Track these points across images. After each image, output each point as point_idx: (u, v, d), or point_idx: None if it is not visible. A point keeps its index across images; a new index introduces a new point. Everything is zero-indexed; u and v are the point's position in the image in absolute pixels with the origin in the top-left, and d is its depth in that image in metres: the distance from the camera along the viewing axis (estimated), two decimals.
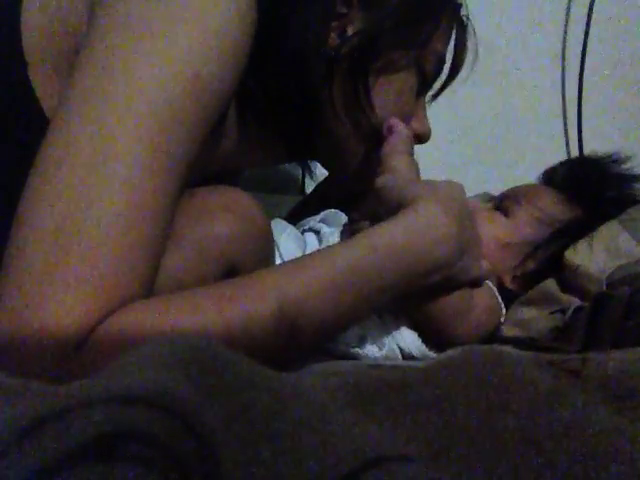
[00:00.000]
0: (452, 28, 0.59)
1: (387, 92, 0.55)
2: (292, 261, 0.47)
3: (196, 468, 0.19)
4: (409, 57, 0.55)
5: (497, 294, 0.64)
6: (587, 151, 0.92)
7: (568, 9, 1.07)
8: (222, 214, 0.49)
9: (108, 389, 0.20)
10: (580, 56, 1.04)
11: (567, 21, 1.07)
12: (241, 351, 0.32)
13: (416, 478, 0.20)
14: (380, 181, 0.53)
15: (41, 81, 0.48)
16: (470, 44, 0.61)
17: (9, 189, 0.40)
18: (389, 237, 0.47)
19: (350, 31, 0.52)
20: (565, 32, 1.07)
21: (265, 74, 0.51)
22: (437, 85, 0.62)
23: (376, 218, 0.50)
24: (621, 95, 1.10)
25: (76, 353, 0.36)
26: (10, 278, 0.37)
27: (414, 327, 0.59)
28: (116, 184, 0.39)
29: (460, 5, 0.60)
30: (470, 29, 0.61)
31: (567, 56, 1.08)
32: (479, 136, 1.06)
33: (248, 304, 0.41)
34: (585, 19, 1.03)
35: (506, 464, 0.24)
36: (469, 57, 0.62)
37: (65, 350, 0.36)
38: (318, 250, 0.48)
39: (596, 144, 0.83)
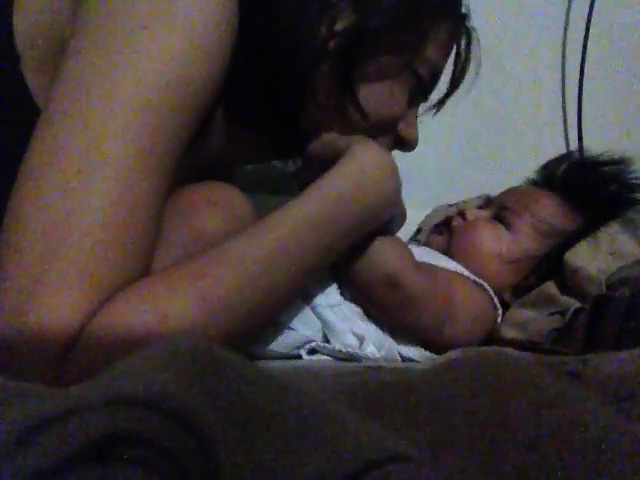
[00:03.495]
0: (453, 38, 0.57)
1: (374, 92, 0.53)
2: (253, 226, 0.47)
3: (196, 469, 0.19)
4: (400, 62, 0.53)
5: (495, 299, 0.64)
6: (587, 152, 0.92)
7: (568, 9, 1.07)
8: (208, 208, 0.49)
9: (108, 391, 0.20)
10: (580, 56, 1.04)
11: (567, 21, 1.07)
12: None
13: (417, 479, 0.20)
14: (310, 146, 0.55)
15: (34, 74, 0.48)
16: (474, 57, 0.59)
17: (3, 182, 0.40)
18: (335, 186, 0.49)
19: (339, 27, 0.50)
20: (565, 32, 1.07)
21: (254, 56, 0.50)
22: (436, 97, 0.60)
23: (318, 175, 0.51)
24: (621, 95, 1.10)
25: (69, 351, 0.37)
26: (2, 280, 0.37)
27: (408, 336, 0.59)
28: (104, 185, 0.39)
29: (464, 16, 0.57)
30: (475, 41, 0.58)
31: (567, 56, 1.08)
32: (479, 137, 1.06)
33: (221, 277, 0.42)
34: (585, 19, 1.03)
35: (507, 465, 0.24)
36: (471, 70, 0.59)
37: (59, 349, 0.36)
38: (274, 212, 0.48)
39: (596, 144, 0.83)
